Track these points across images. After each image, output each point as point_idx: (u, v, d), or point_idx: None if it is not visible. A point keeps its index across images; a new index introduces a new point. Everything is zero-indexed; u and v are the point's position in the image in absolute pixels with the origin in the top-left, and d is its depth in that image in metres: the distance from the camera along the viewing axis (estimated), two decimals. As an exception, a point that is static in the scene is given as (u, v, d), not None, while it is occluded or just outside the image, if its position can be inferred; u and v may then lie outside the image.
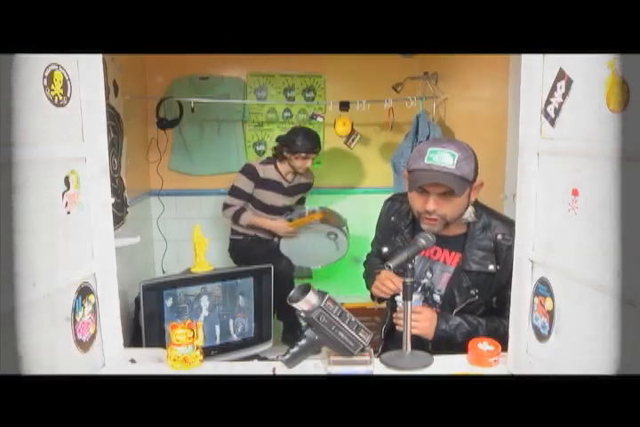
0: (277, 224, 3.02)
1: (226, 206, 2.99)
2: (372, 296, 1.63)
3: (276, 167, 3.00)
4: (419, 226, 1.48)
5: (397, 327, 1.43)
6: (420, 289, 1.49)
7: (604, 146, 0.89)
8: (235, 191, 2.98)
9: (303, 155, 2.93)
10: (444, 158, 1.32)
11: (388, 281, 1.45)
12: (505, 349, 1.29)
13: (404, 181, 1.47)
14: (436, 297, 1.49)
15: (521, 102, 1.16)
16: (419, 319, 1.39)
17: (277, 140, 3.04)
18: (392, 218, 1.60)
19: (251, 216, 2.99)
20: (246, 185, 2.97)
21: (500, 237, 1.42)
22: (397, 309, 1.42)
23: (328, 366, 1.24)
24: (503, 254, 1.40)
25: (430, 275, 1.50)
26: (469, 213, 1.45)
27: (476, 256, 1.42)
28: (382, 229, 1.66)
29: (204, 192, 3.70)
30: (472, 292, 1.43)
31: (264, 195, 3.01)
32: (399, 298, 1.36)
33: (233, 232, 3.15)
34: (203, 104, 3.32)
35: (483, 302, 1.45)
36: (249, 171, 2.98)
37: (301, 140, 2.91)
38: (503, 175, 2.34)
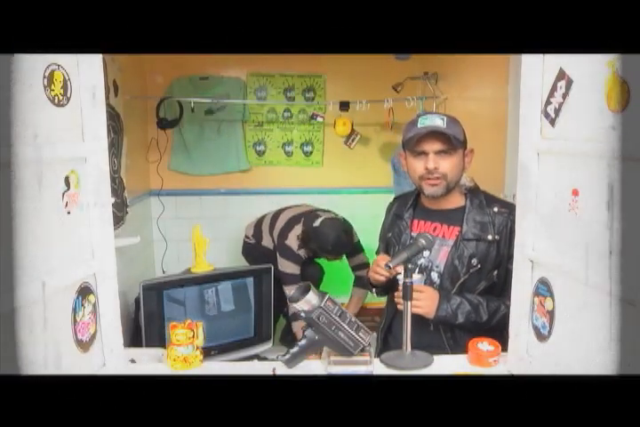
0: None
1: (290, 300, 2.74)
2: (371, 285, 1.62)
3: (307, 251, 2.80)
4: (419, 207, 1.56)
5: (399, 306, 1.40)
6: (417, 270, 1.47)
7: (604, 146, 0.89)
8: (288, 279, 2.73)
9: (331, 257, 2.76)
10: (434, 121, 1.43)
11: (383, 262, 1.45)
12: (505, 348, 1.30)
13: (402, 162, 1.55)
14: (434, 275, 1.48)
15: (521, 102, 1.16)
16: (420, 298, 1.38)
17: (308, 232, 2.72)
18: (394, 210, 1.64)
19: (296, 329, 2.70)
20: (295, 268, 2.77)
21: (495, 209, 1.48)
22: (398, 287, 1.41)
23: (328, 366, 1.24)
24: (501, 226, 1.46)
25: (428, 253, 1.49)
26: (465, 180, 1.53)
27: (475, 227, 1.46)
28: (385, 229, 1.67)
29: (203, 192, 3.70)
30: (473, 261, 1.44)
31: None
32: (400, 277, 1.34)
33: (247, 236, 3.08)
34: (203, 104, 3.32)
35: (484, 276, 1.45)
36: (294, 258, 2.75)
37: (331, 248, 2.63)
38: (503, 175, 2.34)
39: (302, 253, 2.79)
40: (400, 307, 1.38)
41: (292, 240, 2.77)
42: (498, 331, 1.45)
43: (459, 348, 1.44)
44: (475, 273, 1.45)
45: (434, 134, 1.41)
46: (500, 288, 1.46)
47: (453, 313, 1.41)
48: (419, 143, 1.43)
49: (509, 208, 1.47)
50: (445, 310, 1.41)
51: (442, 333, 1.47)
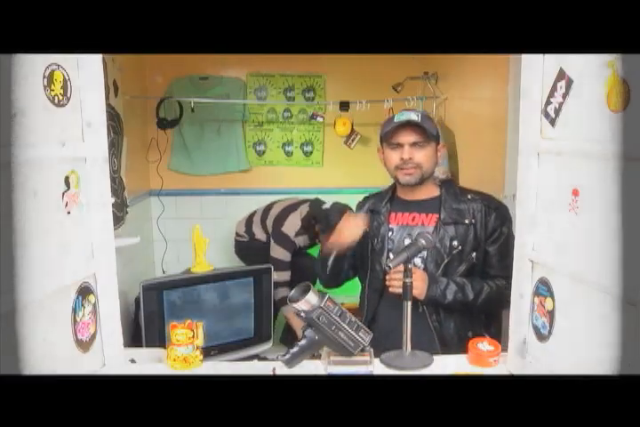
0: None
1: (277, 285, 2.76)
2: (325, 271, 1.64)
3: (306, 237, 2.92)
4: (396, 200, 1.63)
5: (391, 289, 1.44)
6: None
7: (604, 146, 0.89)
8: (277, 265, 2.78)
9: None
10: (410, 116, 1.52)
11: (350, 220, 1.55)
12: (505, 349, 1.30)
13: (380, 156, 1.62)
14: (418, 260, 1.53)
15: (521, 102, 1.16)
16: (412, 279, 1.39)
17: (315, 215, 2.84)
18: (370, 206, 1.69)
19: (287, 313, 2.82)
20: (285, 255, 2.87)
21: (469, 196, 1.57)
22: (391, 271, 1.43)
23: (328, 366, 1.24)
24: (475, 211, 1.54)
25: (409, 240, 1.55)
26: (438, 172, 1.64)
27: (452, 213, 1.55)
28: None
29: (203, 192, 3.70)
30: (454, 243, 1.52)
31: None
32: (387, 262, 1.36)
33: (238, 234, 3.11)
34: (203, 104, 3.32)
35: (464, 258, 1.53)
36: (286, 242, 2.87)
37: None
38: (503, 175, 2.34)
39: (300, 240, 2.87)
40: (392, 289, 1.43)
41: (289, 227, 2.85)
42: (482, 313, 1.55)
43: (443, 330, 1.52)
44: (456, 255, 1.52)
45: (409, 126, 1.50)
46: (479, 270, 1.55)
47: (442, 293, 1.48)
48: (395, 135, 1.52)
49: (482, 196, 1.59)
50: (434, 290, 1.47)
51: (427, 315, 1.52)
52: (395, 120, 1.53)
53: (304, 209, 2.91)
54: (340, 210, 2.74)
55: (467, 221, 1.53)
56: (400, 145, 1.52)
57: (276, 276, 2.74)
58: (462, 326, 1.52)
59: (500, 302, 1.39)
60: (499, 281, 1.50)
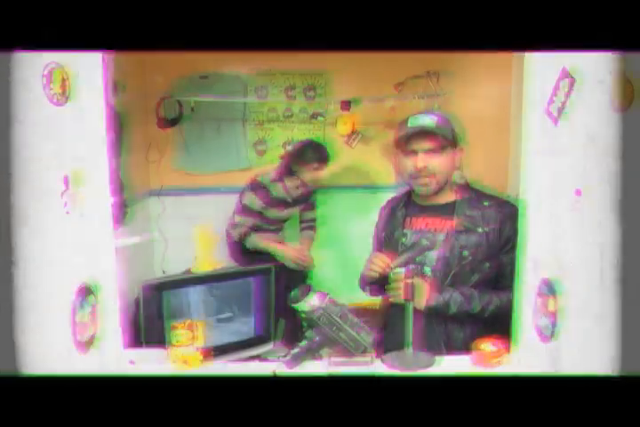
0: (290, 251, 2.91)
1: (233, 226, 2.90)
2: (364, 286, 1.65)
3: (284, 185, 2.94)
4: (412, 204, 1.59)
5: (391, 299, 1.42)
6: None
7: (607, 145, 0.89)
8: (244, 210, 2.90)
9: (315, 165, 2.87)
10: (424, 120, 1.46)
11: (377, 259, 1.47)
12: (507, 347, 1.29)
13: (394, 161, 1.57)
14: (427, 269, 1.50)
15: (524, 101, 1.16)
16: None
17: (284, 156, 2.98)
18: (388, 210, 1.67)
19: (257, 240, 2.89)
20: (255, 203, 2.90)
21: (485, 203, 1.51)
22: (390, 280, 1.41)
23: (328, 366, 1.24)
24: (490, 219, 1.48)
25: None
26: (457, 177, 1.57)
27: (466, 220, 1.48)
28: (379, 229, 1.69)
29: (204, 191, 3.69)
30: (465, 253, 1.46)
31: (269, 212, 2.98)
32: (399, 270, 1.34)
33: (227, 235, 3.13)
34: (203, 103, 3.32)
35: (476, 268, 1.46)
36: (259, 190, 2.90)
37: (312, 152, 2.87)
38: (506, 175, 2.33)
39: (278, 190, 2.90)
40: (392, 299, 1.41)
41: (263, 175, 2.94)
42: (493, 324, 1.47)
43: (452, 342, 1.46)
44: (467, 265, 1.46)
45: (423, 133, 1.44)
46: (493, 281, 1.48)
47: (445, 303, 1.43)
48: (408, 142, 1.46)
49: (499, 202, 1.52)
50: (436, 299, 1.42)
51: (435, 326, 1.48)
52: (408, 125, 1.46)
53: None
54: (306, 140, 3.00)
55: (480, 230, 1.46)
56: (414, 152, 1.46)
57: (238, 218, 2.89)
58: (471, 339, 1.41)
59: (509, 313, 1.31)
60: (510, 292, 1.40)
